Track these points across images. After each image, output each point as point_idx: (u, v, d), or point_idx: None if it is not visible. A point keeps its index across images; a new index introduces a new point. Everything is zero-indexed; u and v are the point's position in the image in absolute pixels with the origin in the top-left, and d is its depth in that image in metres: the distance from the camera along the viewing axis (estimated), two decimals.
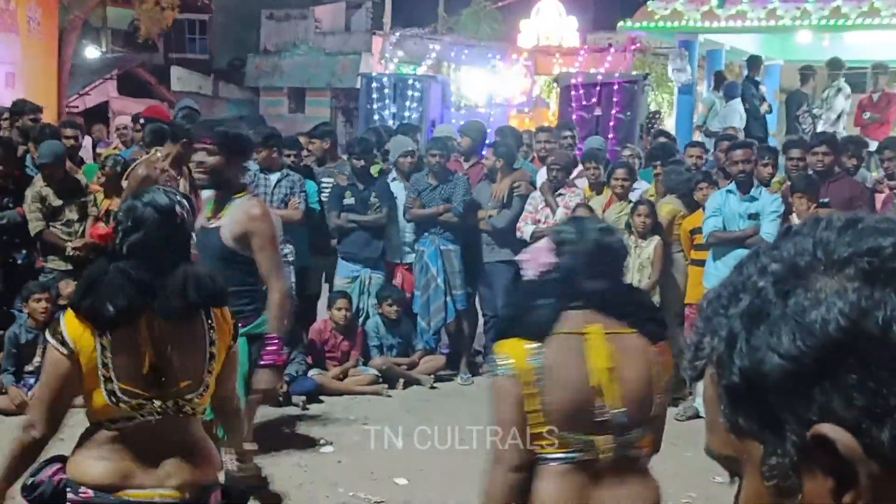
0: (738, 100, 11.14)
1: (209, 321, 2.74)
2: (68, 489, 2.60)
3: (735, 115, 11.05)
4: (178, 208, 2.72)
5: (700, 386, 0.83)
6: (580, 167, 7.82)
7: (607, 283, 2.54)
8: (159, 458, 2.60)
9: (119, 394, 2.57)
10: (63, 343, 2.56)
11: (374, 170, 7.91)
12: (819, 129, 10.06)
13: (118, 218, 2.79)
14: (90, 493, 2.56)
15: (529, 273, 2.82)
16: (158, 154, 6.08)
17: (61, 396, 2.62)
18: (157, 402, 2.61)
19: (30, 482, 2.69)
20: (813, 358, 0.71)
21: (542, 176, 7.76)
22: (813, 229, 0.78)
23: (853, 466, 0.70)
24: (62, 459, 2.69)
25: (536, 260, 2.75)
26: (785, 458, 0.73)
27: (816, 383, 0.71)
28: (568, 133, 8.65)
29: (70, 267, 7.06)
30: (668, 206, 7.03)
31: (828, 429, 0.70)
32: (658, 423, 2.66)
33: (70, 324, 2.57)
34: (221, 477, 2.96)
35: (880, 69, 10.90)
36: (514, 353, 2.52)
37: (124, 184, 6.46)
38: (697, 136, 10.97)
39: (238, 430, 3.19)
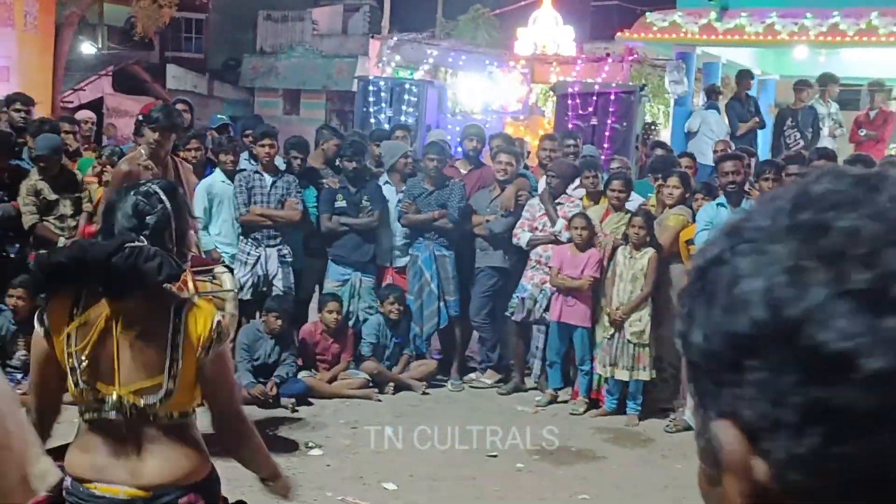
0: (714, 111, 11.15)
1: (176, 320, 2.58)
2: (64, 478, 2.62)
3: (718, 127, 11.10)
4: (168, 206, 2.71)
5: (691, 399, 0.80)
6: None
7: None
8: (130, 455, 2.59)
9: (82, 384, 2.57)
10: (42, 322, 2.61)
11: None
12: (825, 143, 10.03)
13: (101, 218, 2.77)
14: (68, 482, 2.60)
15: None
16: (141, 150, 6.06)
17: (43, 376, 2.66)
18: (113, 399, 2.56)
19: None
20: (722, 348, 0.64)
21: (543, 184, 7.76)
22: (795, 189, 0.67)
23: (727, 472, 0.64)
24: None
25: None
26: (708, 444, 0.66)
27: (725, 374, 0.64)
28: (571, 142, 8.64)
29: None
30: (676, 218, 6.98)
31: (719, 428, 0.64)
32: None
33: (52, 306, 2.61)
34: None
35: (876, 87, 10.93)
36: None
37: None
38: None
39: (253, 452, 2.81)
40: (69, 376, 2.58)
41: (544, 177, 7.81)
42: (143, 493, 2.56)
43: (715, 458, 0.65)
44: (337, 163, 8.00)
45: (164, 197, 2.69)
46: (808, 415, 0.60)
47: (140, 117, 8.20)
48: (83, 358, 2.56)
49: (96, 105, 18.42)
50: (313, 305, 7.88)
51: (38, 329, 2.62)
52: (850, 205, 0.63)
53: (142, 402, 2.57)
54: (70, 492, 2.59)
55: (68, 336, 2.57)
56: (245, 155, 8.08)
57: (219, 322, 2.65)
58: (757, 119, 11.00)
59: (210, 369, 2.63)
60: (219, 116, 10.20)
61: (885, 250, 0.60)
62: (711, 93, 11.53)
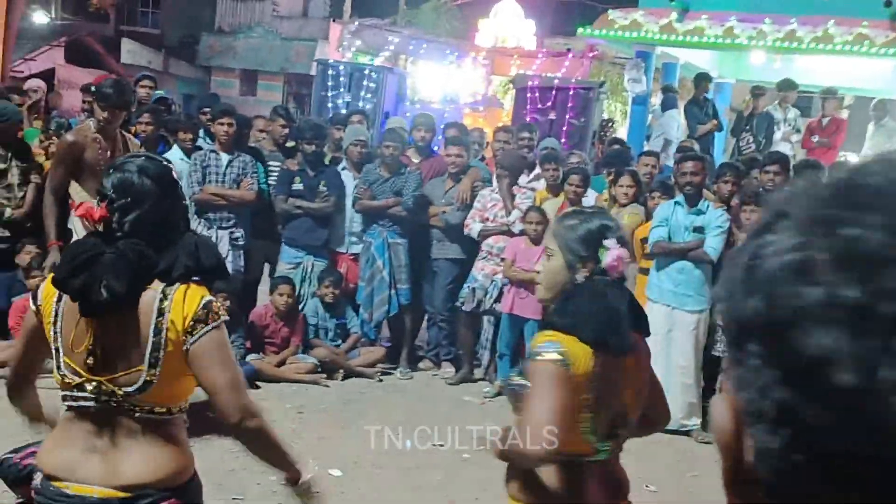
0: (675, 110, 11.28)
1: (161, 303, 2.40)
2: (35, 473, 2.51)
3: (673, 125, 11.22)
4: (173, 173, 2.55)
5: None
6: (537, 169, 7.84)
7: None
8: (107, 451, 2.43)
9: (63, 368, 2.47)
10: (34, 298, 2.55)
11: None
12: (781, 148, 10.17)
13: (110, 194, 2.45)
14: (38, 480, 2.47)
15: (614, 274, 2.65)
16: (90, 123, 5.94)
17: (26, 346, 2.61)
18: (91, 386, 2.43)
19: (2, 458, 2.66)
20: (732, 325, 0.64)
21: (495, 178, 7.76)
22: (845, 174, 0.65)
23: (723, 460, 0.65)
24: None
25: (618, 267, 2.67)
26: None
27: (735, 349, 0.64)
28: (526, 134, 8.65)
29: (7, 233, 6.90)
30: (630, 217, 7.01)
31: (716, 402, 0.65)
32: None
33: (48, 282, 2.53)
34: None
35: (829, 94, 11.11)
36: (572, 349, 2.50)
37: None
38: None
39: (268, 449, 2.60)
40: (54, 358, 2.49)
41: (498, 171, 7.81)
42: (118, 494, 2.39)
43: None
44: (289, 144, 7.91)
45: (143, 183, 2.47)
46: (781, 413, 0.59)
47: (92, 88, 8.05)
48: (69, 342, 2.46)
49: (47, 76, 18.03)
50: (262, 288, 7.80)
51: (31, 304, 2.57)
52: (875, 208, 0.60)
53: (120, 392, 2.41)
54: (39, 491, 2.45)
55: (55, 318, 2.48)
56: (201, 133, 7.96)
57: (208, 302, 2.44)
58: (715, 122, 11.12)
59: (200, 356, 2.41)
60: (157, 92, 9.99)
61: (883, 268, 0.58)
62: (668, 91, 11.63)
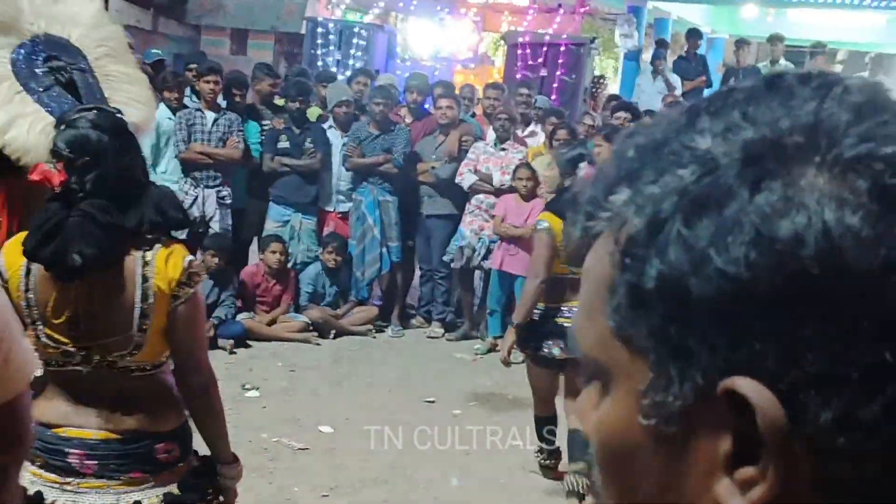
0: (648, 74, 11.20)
1: (145, 267, 2.39)
2: None
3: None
4: (128, 125, 2.50)
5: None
6: (533, 125, 7.80)
7: None
8: (100, 405, 2.45)
9: (44, 339, 2.43)
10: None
11: (311, 114, 7.80)
12: None
13: (65, 154, 2.36)
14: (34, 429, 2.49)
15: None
16: None
17: None
18: (82, 354, 2.42)
19: None
20: (766, 286, 0.50)
21: (490, 133, 7.73)
22: (818, 93, 0.55)
23: (768, 443, 0.51)
24: None
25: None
26: (677, 400, 0.53)
27: (756, 322, 0.51)
28: (525, 91, 8.58)
29: None
30: None
31: (750, 389, 0.50)
32: None
33: (7, 255, 2.44)
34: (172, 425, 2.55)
35: (819, 48, 11.07)
36: (553, 223, 4.37)
37: None
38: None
39: (207, 417, 2.56)
40: (31, 328, 2.41)
41: (490, 126, 7.78)
42: (116, 436, 2.44)
43: (681, 415, 0.53)
44: (277, 101, 7.88)
45: (101, 138, 2.39)
46: (877, 374, 0.50)
47: None
48: (46, 312, 2.40)
49: None
50: (254, 248, 7.81)
51: None
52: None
53: (110, 357, 2.43)
54: (37, 439, 2.41)
55: (27, 287, 2.41)
56: (187, 91, 7.90)
57: (190, 261, 2.46)
58: (703, 78, 11.06)
59: (184, 317, 2.44)
60: (154, 51, 9.88)
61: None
62: (660, 46, 11.55)
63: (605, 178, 0.59)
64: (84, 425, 2.44)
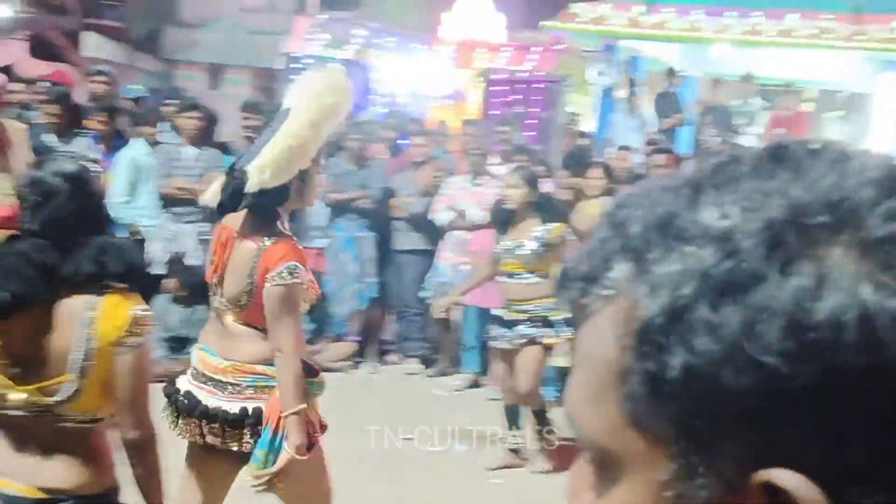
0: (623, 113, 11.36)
1: (90, 313, 2.40)
2: None
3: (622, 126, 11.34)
4: (90, 176, 2.56)
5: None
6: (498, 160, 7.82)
7: None
8: (32, 454, 2.44)
9: None
10: None
11: None
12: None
13: (22, 194, 2.47)
14: None
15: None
16: None
17: None
18: (16, 397, 2.40)
19: None
20: (805, 378, 0.47)
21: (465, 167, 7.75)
22: (834, 168, 0.52)
23: None
24: None
25: None
26: (703, 490, 0.50)
27: (794, 414, 0.47)
28: (505, 129, 8.59)
29: None
30: (599, 205, 7.01)
31: (791, 481, 0.47)
32: None
33: None
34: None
35: (787, 88, 11.24)
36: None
37: None
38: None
39: (143, 472, 2.55)
40: None
41: (466, 161, 7.81)
42: (37, 494, 2.42)
43: None
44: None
45: (54, 181, 2.45)
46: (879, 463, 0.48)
47: (47, 84, 7.91)
48: None
49: (8, 70, 17.77)
50: None
51: None
52: None
53: (46, 401, 2.40)
54: None
55: None
56: (167, 127, 7.85)
57: (137, 314, 2.46)
58: (680, 116, 11.19)
59: (127, 367, 2.45)
60: (133, 87, 9.85)
61: None
62: (633, 85, 11.70)
63: (601, 251, 0.55)
64: (13, 477, 2.42)
